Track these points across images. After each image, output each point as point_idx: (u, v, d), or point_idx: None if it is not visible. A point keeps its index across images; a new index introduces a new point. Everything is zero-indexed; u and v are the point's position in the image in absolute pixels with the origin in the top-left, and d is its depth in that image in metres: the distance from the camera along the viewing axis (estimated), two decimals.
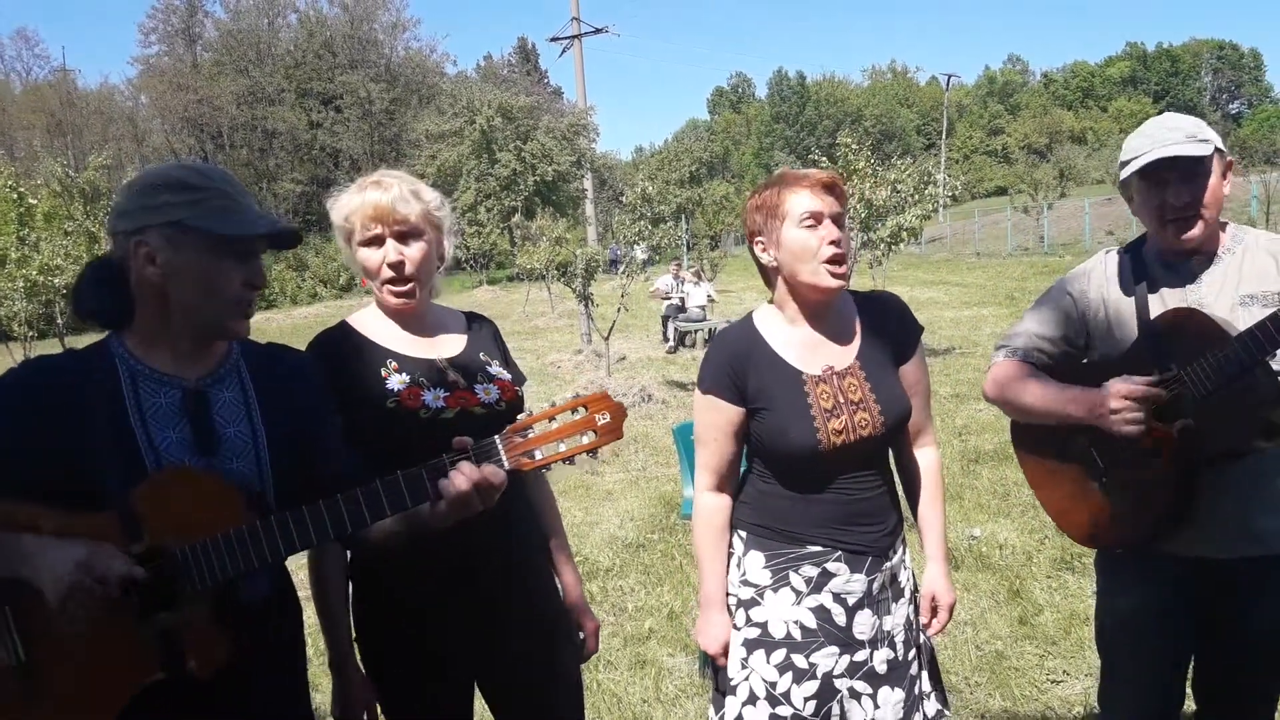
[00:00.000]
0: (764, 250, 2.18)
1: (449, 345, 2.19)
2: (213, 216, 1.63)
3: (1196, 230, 2.15)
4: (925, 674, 2.29)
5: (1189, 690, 2.42)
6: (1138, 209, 2.26)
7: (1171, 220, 2.16)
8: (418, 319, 2.18)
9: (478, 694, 2.24)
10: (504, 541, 2.12)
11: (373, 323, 2.17)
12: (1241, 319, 2.10)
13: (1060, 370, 2.32)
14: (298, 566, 1.86)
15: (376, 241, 2.09)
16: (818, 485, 2.15)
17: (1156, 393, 2.07)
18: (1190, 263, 2.22)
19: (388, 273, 2.08)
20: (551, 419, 1.64)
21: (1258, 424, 2.05)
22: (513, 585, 2.15)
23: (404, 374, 2.07)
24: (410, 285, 2.09)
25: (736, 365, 2.16)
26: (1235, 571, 2.17)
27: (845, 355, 2.18)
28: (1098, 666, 2.52)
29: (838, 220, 2.12)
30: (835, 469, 2.14)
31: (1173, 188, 2.14)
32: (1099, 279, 2.33)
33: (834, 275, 2.09)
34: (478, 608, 2.10)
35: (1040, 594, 4.63)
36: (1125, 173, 2.20)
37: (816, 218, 2.09)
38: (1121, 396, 2.07)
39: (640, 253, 12.62)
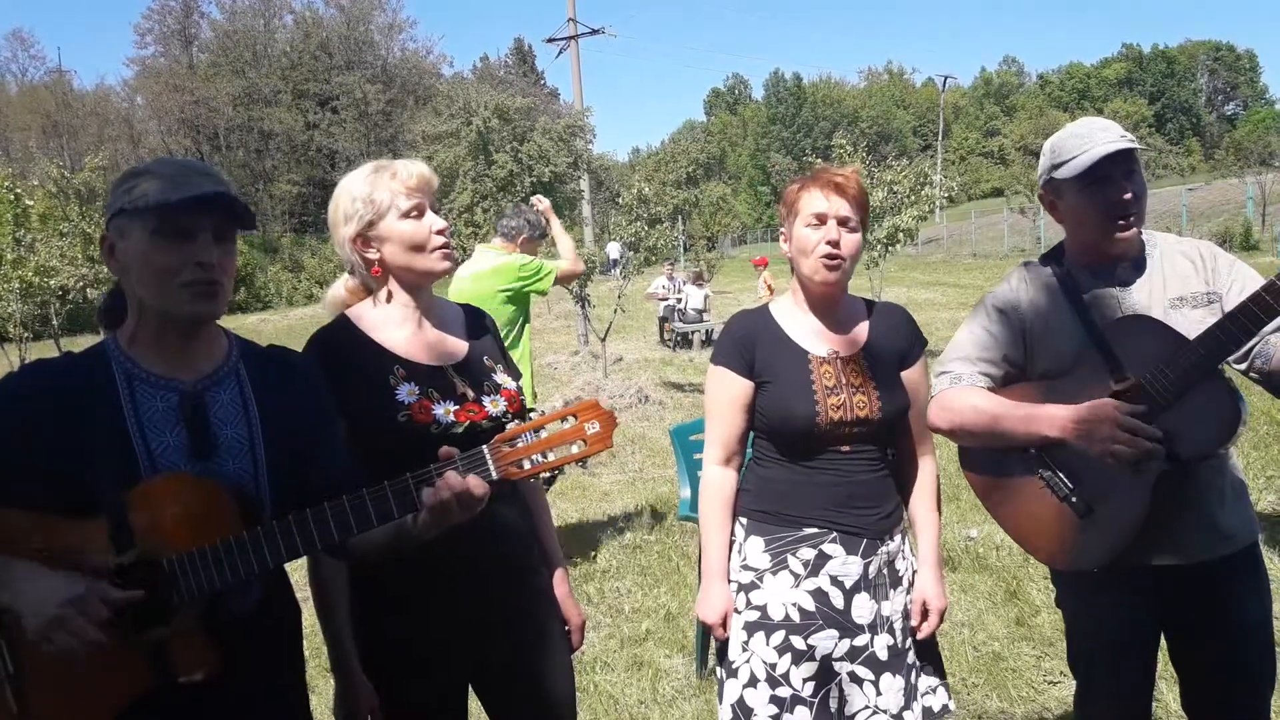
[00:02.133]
0: (784, 241, 2.35)
1: (453, 347, 2.16)
2: (145, 196, 1.60)
3: (1133, 232, 2.17)
4: (923, 670, 2.32)
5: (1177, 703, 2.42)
6: (1072, 212, 2.23)
7: (1116, 218, 2.15)
8: (428, 310, 2.15)
9: (472, 696, 2.23)
10: (495, 540, 2.10)
11: (375, 319, 2.11)
12: (1176, 322, 2.11)
13: (1006, 392, 2.26)
14: (294, 567, 1.84)
15: (419, 212, 2.07)
16: (814, 458, 2.24)
17: (1151, 431, 2.00)
18: (1116, 269, 2.22)
19: (439, 239, 2.08)
20: (540, 428, 1.63)
21: (1222, 427, 2.05)
22: (505, 585, 2.14)
23: (413, 384, 2.02)
24: (453, 251, 2.13)
25: (747, 341, 2.31)
26: (1209, 573, 2.17)
27: (851, 345, 2.31)
28: None
29: (845, 222, 2.23)
30: (831, 444, 2.23)
31: (1118, 184, 2.13)
32: (1028, 293, 2.30)
33: (827, 269, 2.22)
34: (469, 608, 2.09)
35: (1037, 595, 4.63)
36: (1069, 171, 2.16)
37: (820, 219, 2.23)
38: (1125, 429, 2.00)
39: (614, 251, 12.62)
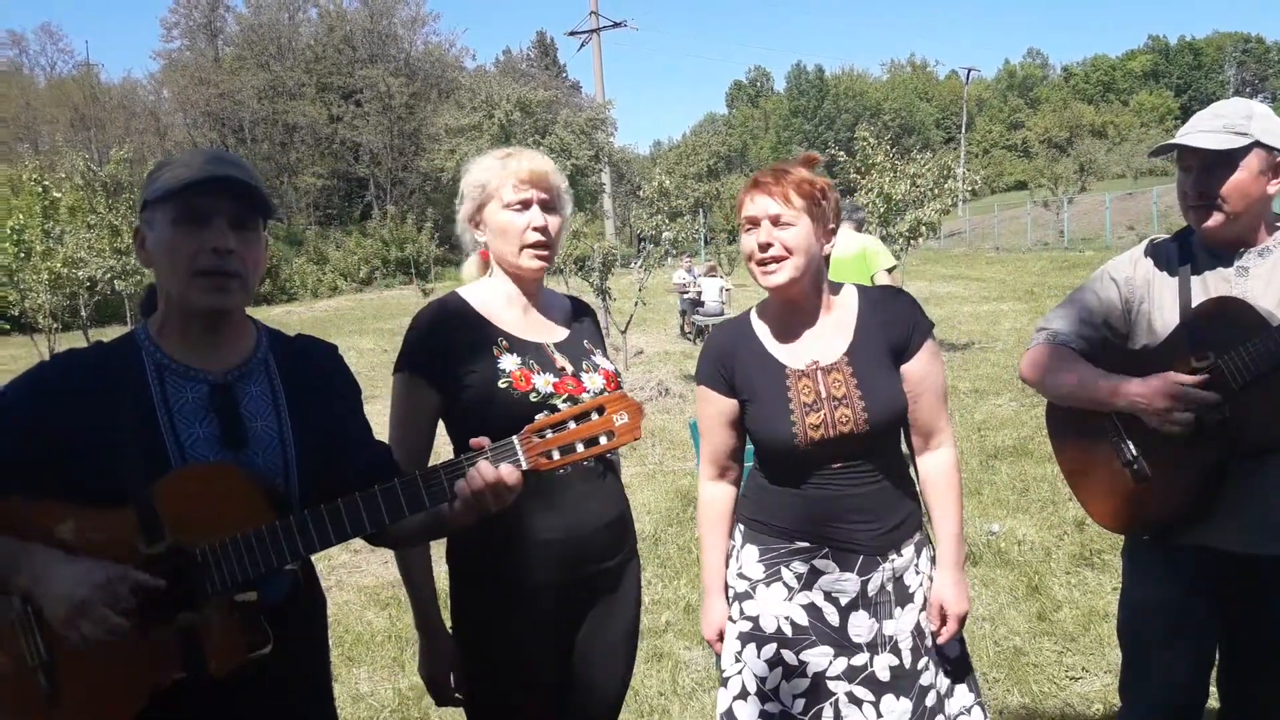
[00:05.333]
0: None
1: (555, 330, 2.24)
2: (166, 185, 1.61)
3: (1211, 221, 2.15)
4: (954, 690, 2.22)
5: (1213, 688, 2.40)
6: None
7: (1190, 206, 2.19)
8: (532, 296, 2.23)
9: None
10: (614, 550, 2.22)
11: (485, 298, 2.20)
12: None
13: (1101, 357, 2.31)
14: (320, 557, 1.87)
15: (523, 205, 2.12)
16: (798, 479, 2.16)
17: (1208, 396, 2.05)
18: (1238, 255, 2.20)
19: (533, 236, 2.12)
20: (570, 419, 1.64)
21: None
22: (616, 596, 2.24)
23: (515, 355, 2.10)
24: (549, 252, 2.16)
25: (725, 358, 2.23)
26: (1257, 568, 2.15)
27: (833, 351, 2.17)
28: (1117, 663, 2.50)
29: (775, 220, 2.09)
30: (814, 463, 2.13)
31: (1192, 175, 2.17)
32: (1146, 265, 2.32)
33: (764, 273, 2.13)
34: (580, 617, 2.19)
35: (1059, 590, 4.61)
36: (1153, 146, 2.26)
37: (753, 222, 2.13)
38: (1172, 397, 2.07)
39: (668, 232, 12.64)
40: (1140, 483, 2.23)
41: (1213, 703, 2.42)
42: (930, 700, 2.15)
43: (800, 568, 2.16)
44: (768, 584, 2.18)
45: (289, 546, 1.59)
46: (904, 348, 2.18)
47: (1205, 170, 2.14)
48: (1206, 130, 2.13)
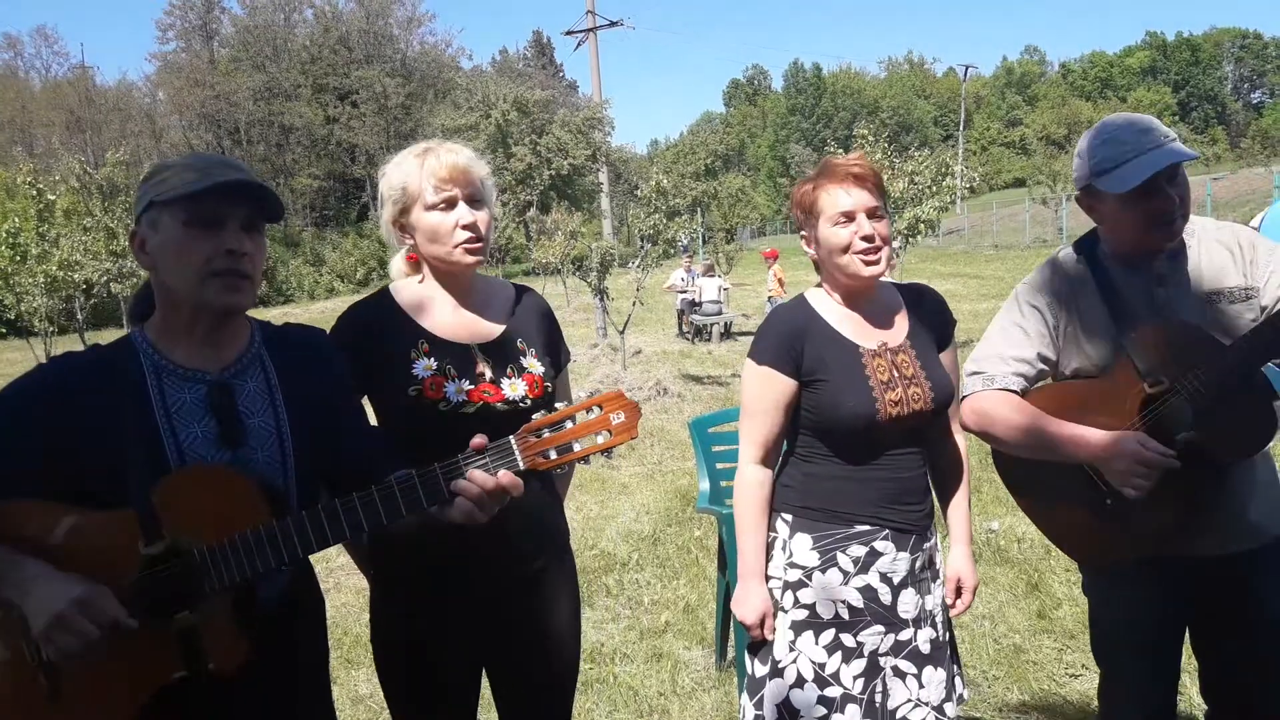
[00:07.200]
0: (807, 244, 2.28)
1: (486, 328, 2.15)
2: (175, 189, 1.63)
3: (1181, 231, 2.14)
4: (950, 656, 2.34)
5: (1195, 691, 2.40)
6: (1113, 217, 2.17)
7: (1161, 225, 2.10)
8: (466, 292, 2.16)
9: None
10: (528, 534, 2.14)
11: (415, 296, 2.13)
12: (1214, 319, 2.09)
13: (1042, 392, 2.26)
14: (318, 557, 1.86)
15: (448, 204, 2.05)
16: (869, 458, 2.20)
17: (1170, 462, 2.00)
18: (1152, 262, 2.17)
19: (463, 234, 2.05)
20: (566, 419, 1.64)
21: (1257, 432, 2.03)
22: (531, 578, 2.17)
23: (432, 359, 2.03)
24: (482, 245, 2.09)
25: (794, 338, 2.23)
26: (1235, 566, 2.15)
27: (896, 335, 2.27)
28: None
29: (871, 212, 2.18)
30: (887, 442, 2.20)
31: (1164, 195, 2.07)
32: (1061, 286, 2.25)
33: (867, 264, 2.17)
34: (494, 597, 2.13)
35: (1059, 588, 4.61)
36: (1113, 185, 2.08)
37: (848, 216, 2.17)
38: (1136, 461, 2.01)
39: (685, 237, 12.61)
40: (1115, 518, 2.16)
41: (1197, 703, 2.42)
42: (951, 669, 2.29)
43: (857, 551, 2.20)
44: (823, 570, 2.21)
45: (287, 547, 1.59)
46: (941, 339, 2.33)
47: (1172, 184, 2.08)
48: (1157, 146, 2.06)
